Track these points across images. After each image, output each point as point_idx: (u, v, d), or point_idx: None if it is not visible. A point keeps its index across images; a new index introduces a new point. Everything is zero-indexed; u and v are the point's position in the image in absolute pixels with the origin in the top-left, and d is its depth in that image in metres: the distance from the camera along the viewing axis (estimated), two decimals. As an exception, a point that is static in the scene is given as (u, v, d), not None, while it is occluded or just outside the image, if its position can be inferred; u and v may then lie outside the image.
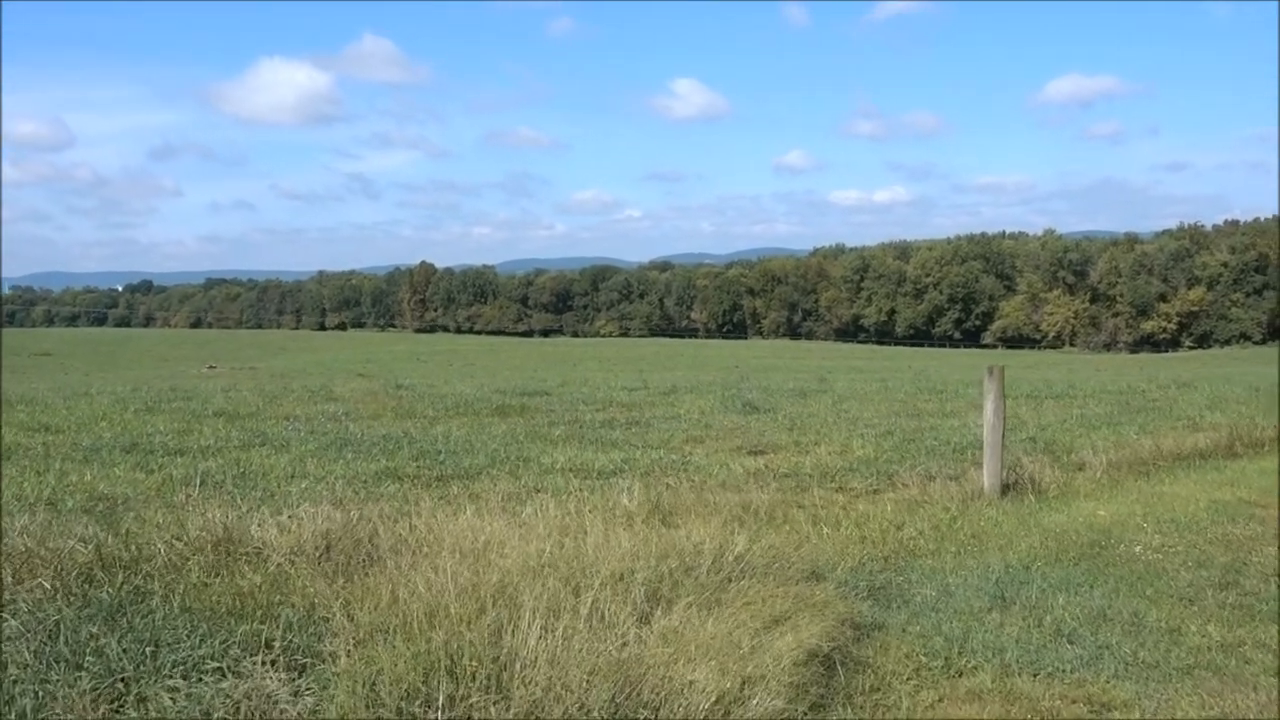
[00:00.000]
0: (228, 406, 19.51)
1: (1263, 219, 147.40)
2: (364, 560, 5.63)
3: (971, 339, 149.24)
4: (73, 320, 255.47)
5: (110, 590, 5.06)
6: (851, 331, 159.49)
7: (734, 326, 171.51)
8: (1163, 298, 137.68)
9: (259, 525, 6.24)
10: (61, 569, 5.28)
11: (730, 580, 5.63)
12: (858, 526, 8.26)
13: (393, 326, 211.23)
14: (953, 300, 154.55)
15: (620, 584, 5.12)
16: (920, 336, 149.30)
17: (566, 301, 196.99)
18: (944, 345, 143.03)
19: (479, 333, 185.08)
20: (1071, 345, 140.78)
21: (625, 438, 15.37)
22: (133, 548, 5.75)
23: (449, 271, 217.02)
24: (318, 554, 5.72)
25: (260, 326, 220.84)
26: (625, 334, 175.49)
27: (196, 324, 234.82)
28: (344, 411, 19.11)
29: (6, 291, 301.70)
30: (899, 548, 7.74)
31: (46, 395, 22.76)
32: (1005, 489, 10.22)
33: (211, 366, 54.46)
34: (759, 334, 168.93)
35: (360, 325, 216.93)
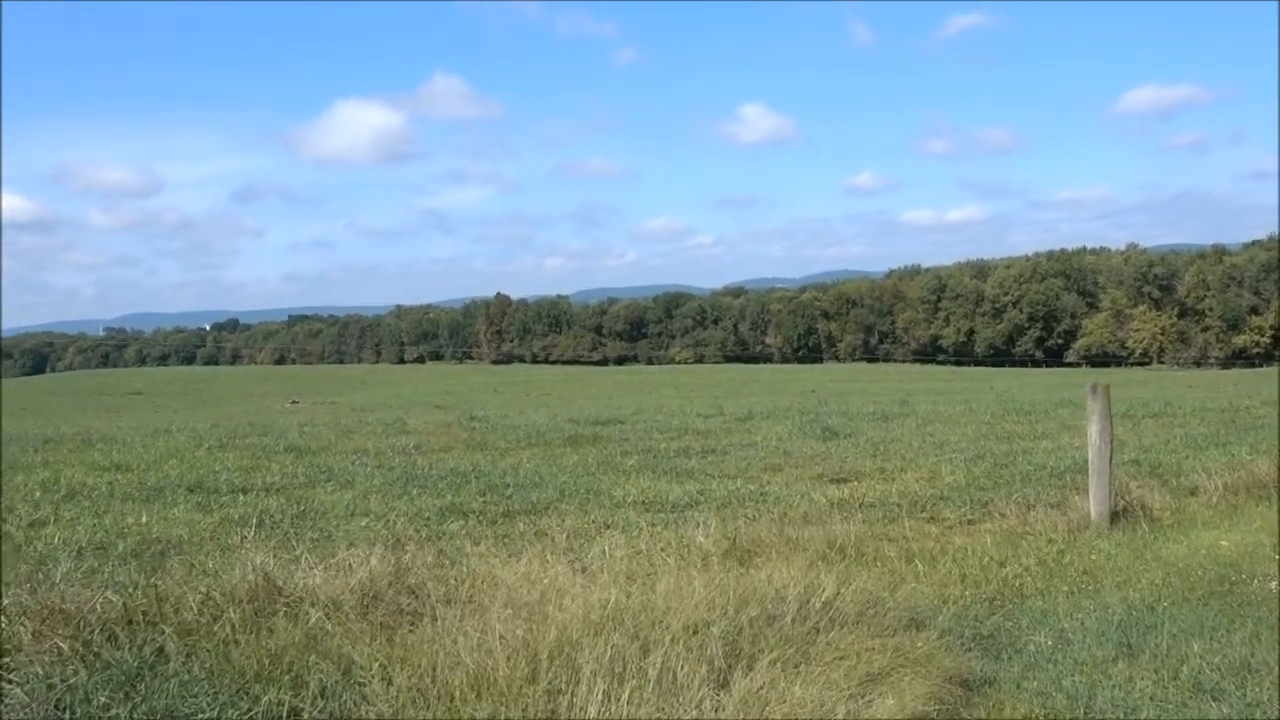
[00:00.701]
0: (299, 442, 19.30)
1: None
2: (412, 613, 5.10)
3: (1054, 358, 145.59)
4: (163, 360, 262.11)
5: (132, 651, 4.60)
6: (930, 353, 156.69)
7: (809, 350, 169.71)
8: (1254, 310, 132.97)
9: (303, 572, 5.77)
10: (84, 625, 4.84)
11: (818, 631, 4.99)
12: (956, 563, 7.53)
13: (470, 358, 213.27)
14: (1033, 319, 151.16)
15: (694, 639, 4.52)
16: (1001, 356, 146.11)
17: (640, 329, 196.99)
18: (1026, 365, 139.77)
19: (554, 362, 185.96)
20: (1160, 362, 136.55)
21: (700, 467, 14.75)
22: (165, 600, 5.30)
23: (524, 302, 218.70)
24: (363, 604, 5.21)
25: (341, 361, 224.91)
26: (700, 360, 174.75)
27: (280, 360, 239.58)
28: (415, 445, 18.76)
29: (100, 333, 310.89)
30: (1004, 587, 6.99)
31: (126, 433, 22.83)
32: (1114, 517, 9.38)
33: (294, 401, 55.31)
34: (835, 358, 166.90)
35: (438, 358, 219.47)
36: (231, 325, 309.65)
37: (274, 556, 6.89)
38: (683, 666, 4.24)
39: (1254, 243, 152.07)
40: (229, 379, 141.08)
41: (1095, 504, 9.29)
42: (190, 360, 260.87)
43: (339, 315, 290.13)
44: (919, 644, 5.07)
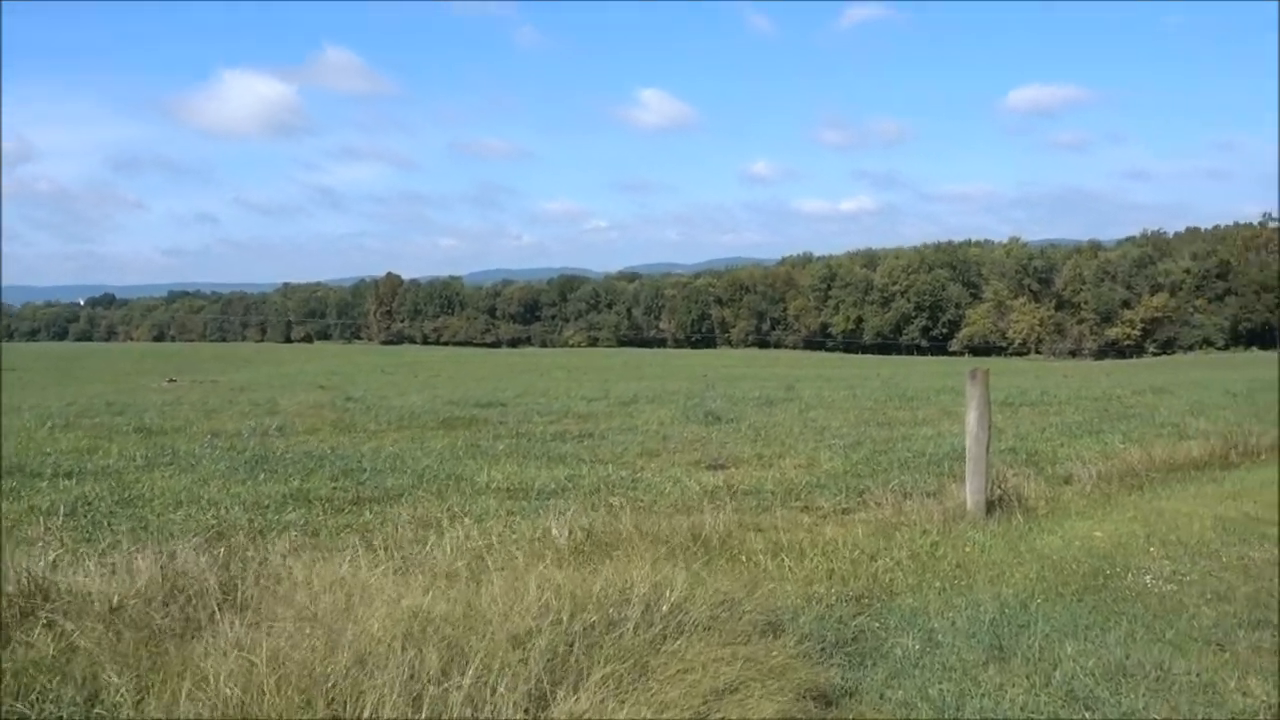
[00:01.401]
0: (154, 422, 18.16)
1: (1223, 226, 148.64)
2: (186, 625, 4.40)
3: (939, 347, 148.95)
4: (33, 335, 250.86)
5: None
6: (820, 340, 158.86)
7: (702, 336, 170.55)
8: (1126, 304, 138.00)
9: (84, 573, 5.01)
10: None
11: (664, 639, 4.45)
12: (825, 557, 7.08)
13: (359, 339, 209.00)
14: (920, 308, 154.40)
15: (516, 652, 3.93)
16: (888, 345, 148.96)
17: (534, 312, 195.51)
18: (912, 353, 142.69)
19: (446, 344, 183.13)
20: (1037, 352, 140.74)
21: (575, 452, 14.19)
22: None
23: (415, 283, 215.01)
24: (143, 612, 4.49)
25: (225, 339, 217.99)
26: (594, 344, 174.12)
27: (159, 338, 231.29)
28: (279, 426, 17.80)
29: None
30: (873, 584, 6.55)
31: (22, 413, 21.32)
32: (990, 507, 9.09)
33: (172, 380, 53.02)
34: (728, 343, 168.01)
35: (326, 337, 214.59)
36: (108, 301, 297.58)
37: (70, 553, 6.12)
38: (498, 687, 3.66)
39: (1128, 239, 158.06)
40: (103, 356, 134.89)
41: (971, 493, 8.99)
42: (62, 336, 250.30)
43: (223, 292, 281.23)
44: (774, 653, 4.55)
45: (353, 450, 13.70)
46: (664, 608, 4.72)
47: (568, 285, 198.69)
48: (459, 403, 23.43)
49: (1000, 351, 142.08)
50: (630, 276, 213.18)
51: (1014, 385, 30.48)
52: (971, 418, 9.06)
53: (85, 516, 8.49)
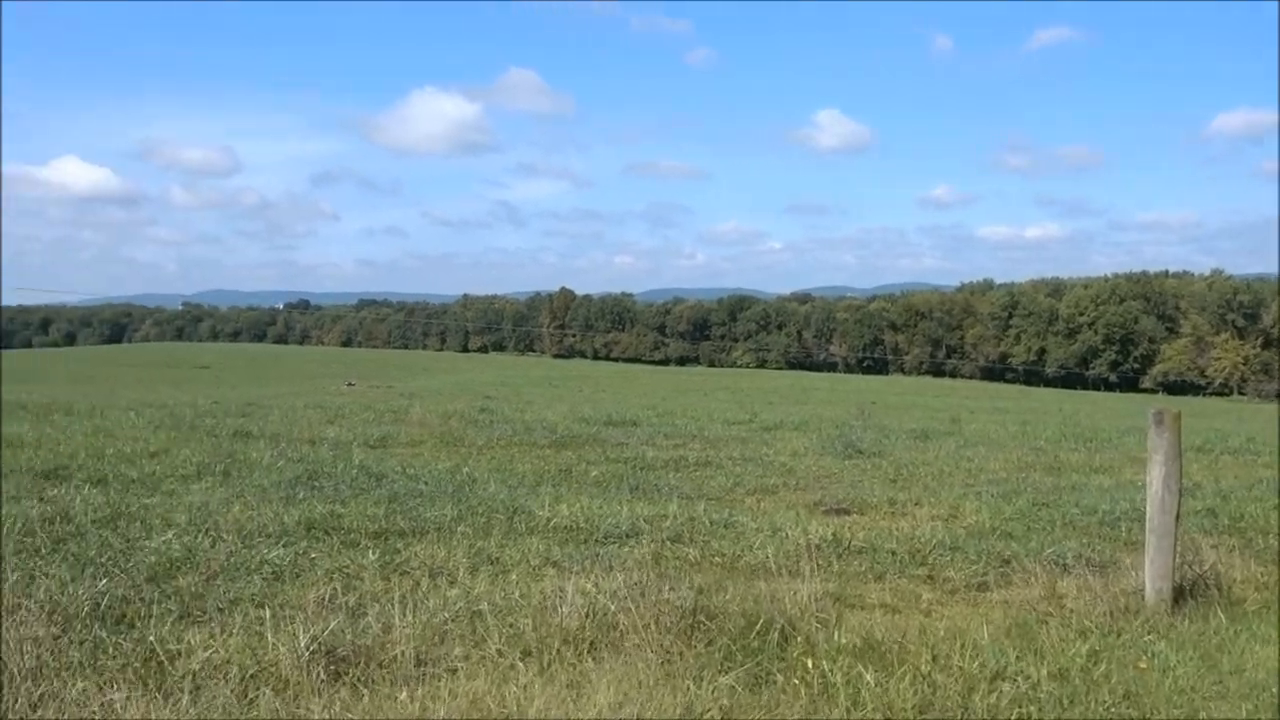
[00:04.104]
0: (270, 427, 17.30)
1: None
2: None
3: (1129, 382, 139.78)
4: (235, 336, 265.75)
5: None
6: (998, 371, 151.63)
7: (874, 362, 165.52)
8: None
9: None
10: None
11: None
12: (928, 667, 5.04)
13: (532, 351, 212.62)
14: (1109, 341, 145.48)
15: None
16: (1073, 378, 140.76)
17: (704, 331, 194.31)
18: (1099, 388, 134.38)
19: (615, 359, 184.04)
20: (1240, 393, 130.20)
21: (678, 483, 12.39)
22: None
23: (588, 298, 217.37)
24: None
25: (407, 347, 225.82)
26: (762, 365, 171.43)
27: (347, 343, 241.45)
28: (380, 436, 16.67)
29: (179, 307, 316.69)
30: None
31: (116, 406, 21.28)
32: (1179, 596, 6.79)
33: (350, 384, 54.72)
34: (900, 370, 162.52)
35: (501, 348, 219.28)
36: (303, 306, 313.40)
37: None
38: None
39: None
40: (294, 358, 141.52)
41: (1152, 578, 6.70)
42: (261, 338, 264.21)
43: (407, 301, 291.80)
44: None
45: (427, 469, 12.28)
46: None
47: (738, 305, 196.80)
48: (590, 420, 21.96)
49: (1198, 390, 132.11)
50: (802, 298, 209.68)
51: (1212, 428, 26.86)
52: (1155, 476, 6.78)
53: (47, 533, 7.24)
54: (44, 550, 6.97)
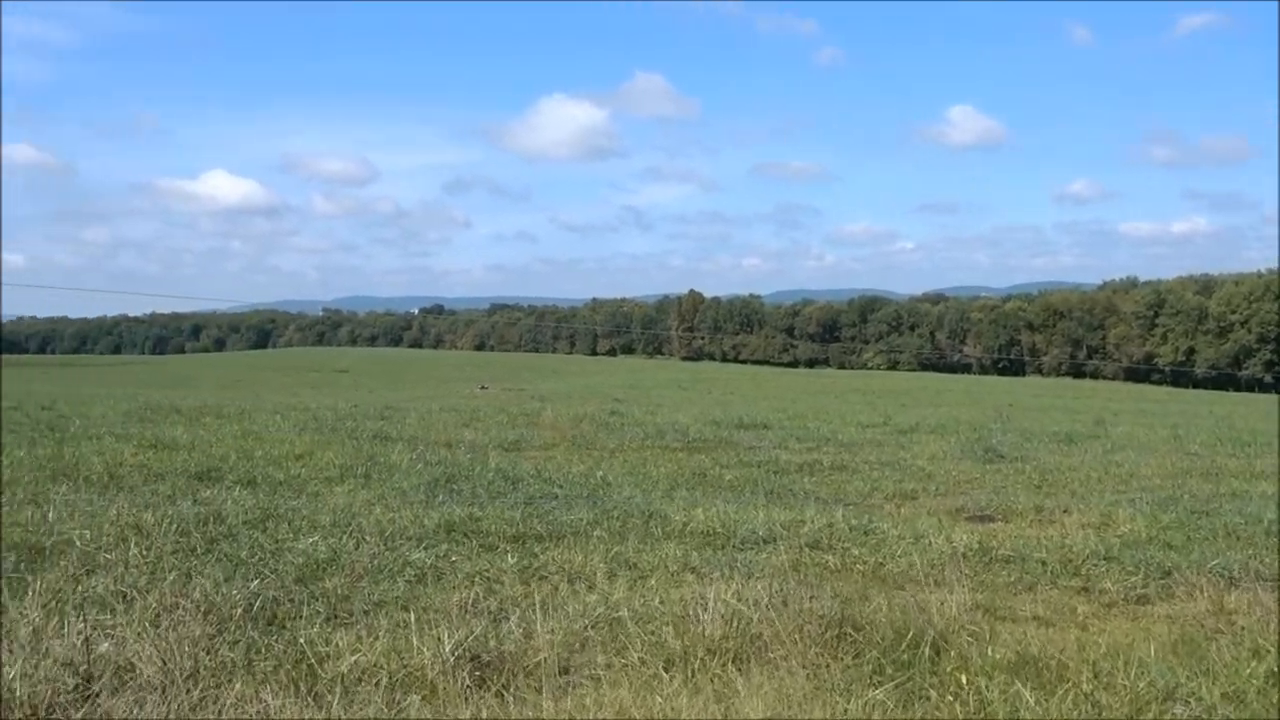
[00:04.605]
0: (402, 431, 17.71)
1: None
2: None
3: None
4: (373, 340, 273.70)
5: None
6: (1143, 372, 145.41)
7: (1009, 363, 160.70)
8: None
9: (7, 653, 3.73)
10: None
11: None
12: (1097, 679, 4.77)
13: (661, 354, 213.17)
14: (1264, 340, 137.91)
15: None
16: (1224, 379, 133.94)
17: (833, 332, 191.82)
18: (1253, 389, 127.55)
19: (744, 361, 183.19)
20: None
21: (814, 488, 12.19)
22: None
23: (716, 300, 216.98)
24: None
25: (537, 350, 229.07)
26: (893, 367, 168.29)
27: (480, 346, 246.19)
28: (514, 440, 16.89)
29: (319, 313, 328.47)
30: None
31: (262, 410, 22.10)
32: (1362, 613, 6.33)
33: (484, 388, 56.20)
34: (1038, 371, 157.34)
35: (630, 351, 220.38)
36: (437, 310, 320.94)
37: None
38: None
39: None
40: (429, 362, 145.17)
41: (1333, 593, 6.27)
42: (397, 342, 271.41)
43: (537, 305, 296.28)
44: None
45: (561, 472, 12.35)
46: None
47: (868, 306, 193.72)
48: (721, 423, 21.86)
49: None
50: (935, 299, 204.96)
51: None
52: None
53: (201, 533, 7.52)
54: (199, 550, 7.23)
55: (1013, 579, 7.40)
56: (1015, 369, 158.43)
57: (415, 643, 4.79)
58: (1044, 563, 7.84)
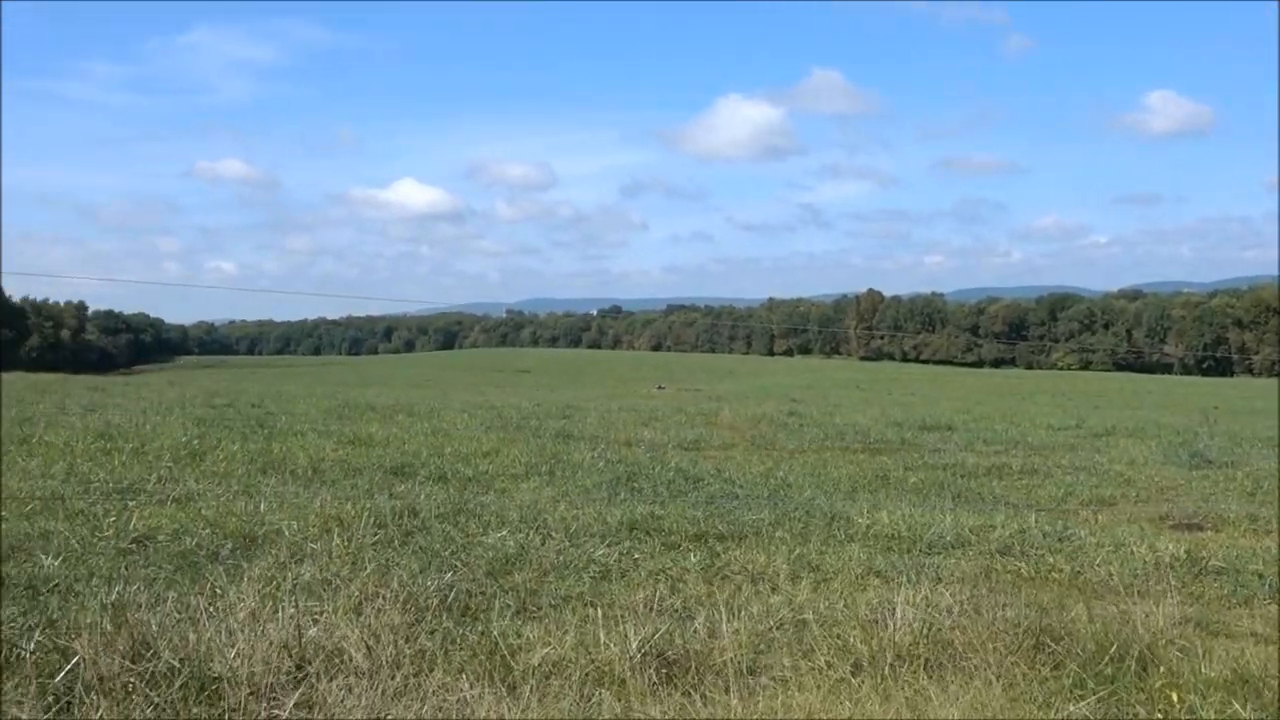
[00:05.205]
0: (584, 429, 18.05)
1: None
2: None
3: None
4: (553, 341, 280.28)
5: None
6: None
7: (1215, 362, 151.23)
8: None
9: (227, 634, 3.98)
10: None
11: None
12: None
13: (838, 354, 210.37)
14: None
15: None
16: None
17: (1020, 331, 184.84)
18: None
19: (925, 361, 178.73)
20: None
21: (1004, 492, 11.76)
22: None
23: (896, 299, 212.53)
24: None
25: (713, 350, 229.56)
26: (1085, 367, 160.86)
27: (657, 347, 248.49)
28: (694, 439, 16.96)
29: (502, 315, 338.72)
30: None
31: (451, 408, 22.96)
32: None
33: (661, 388, 56.99)
34: (1248, 371, 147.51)
35: (807, 351, 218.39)
36: (615, 312, 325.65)
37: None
38: None
39: None
40: (607, 362, 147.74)
41: None
42: (576, 343, 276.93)
43: (714, 306, 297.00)
44: None
45: (741, 472, 12.33)
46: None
47: (1058, 304, 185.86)
48: (903, 424, 21.39)
49: None
50: (1132, 295, 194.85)
51: None
52: None
53: (397, 526, 7.85)
54: (395, 542, 7.55)
55: (1226, 592, 6.95)
56: (1222, 369, 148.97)
57: (602, 638, 4.86)
58: (1260, 575, 7.32)
